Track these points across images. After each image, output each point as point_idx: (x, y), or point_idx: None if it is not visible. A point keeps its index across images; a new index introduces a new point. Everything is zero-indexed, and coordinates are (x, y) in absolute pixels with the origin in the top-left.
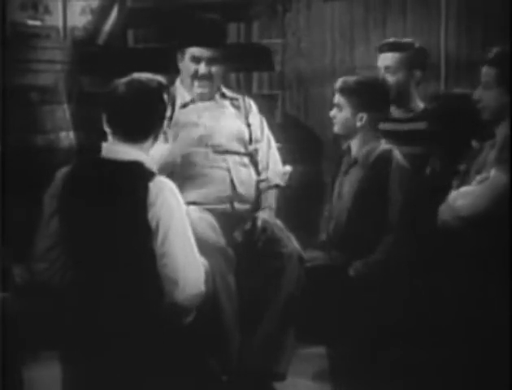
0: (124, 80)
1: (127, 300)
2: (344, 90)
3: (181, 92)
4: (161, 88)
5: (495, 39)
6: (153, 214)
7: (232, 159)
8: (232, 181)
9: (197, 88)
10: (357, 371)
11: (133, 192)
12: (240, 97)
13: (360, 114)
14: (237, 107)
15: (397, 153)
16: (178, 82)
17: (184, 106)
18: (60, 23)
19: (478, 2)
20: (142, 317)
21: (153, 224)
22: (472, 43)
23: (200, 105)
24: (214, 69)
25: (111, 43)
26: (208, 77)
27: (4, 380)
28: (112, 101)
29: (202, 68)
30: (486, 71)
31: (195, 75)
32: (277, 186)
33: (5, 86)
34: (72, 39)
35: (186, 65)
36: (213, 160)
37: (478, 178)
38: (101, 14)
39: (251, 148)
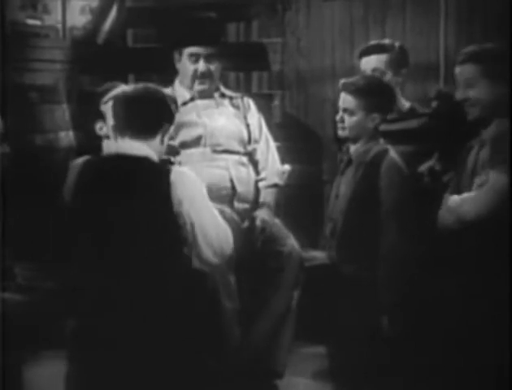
0: (135, 85)
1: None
2: (356, 92)
3: (181, 92)
4: (167, 98)
5: (494, 38)
6: (182, 211)
7: (231, 159)
8: (231, 180)
9: (198, 86)
10: (357, 371)
11: (155, 187)
12: (239, 96)
13: (373, 115)
14: (236, 106)
15: (393, 153)
16: (177, 83)
17: (184, 104)
18: (59, 23)
19: (477, 1)
20: (140, 317)
21: (182, 219)
22: (471, 42)
23: (199, 104)
24: (213, 66)
25: (111, 42)
26: (208, 75)
27: (4, 380)
28: (123, 101)
29: (201, 66)
30: (466, 69)
31: (195, 75)
32: (276, 185)
33: (4, 85)
34: (72, 38)
35: (184, 65)
36: (212, 159)
37: (477, 181)
38: (101, 13)
39: (250, 147)
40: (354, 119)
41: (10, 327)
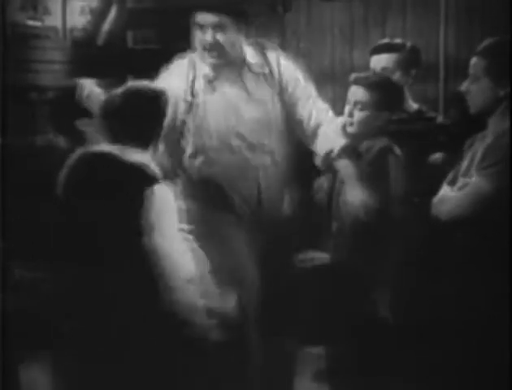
0: (121, 89)
1: (122, 297)
2: (370, 86)
3: (201, 66)
4: (158, 97)
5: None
6: (146, 219)
7: (260, 157)
8: (258, 187)
9: (209, 59)
10: (356, 371)
11: (131, 195)
12: (267, 64)
13: (383, 113)
14: (268, 81)
15: (395, 151)
16: (196, 55)
17: (209, 82)
18: (59, 24)
19: (477, 2)
20: (139, 317)
21: (145, 228)
22: (471, 43)
23: (228, 93)
24: (221, 38)
25: (110, 43)
26: (216, 46)
27: (4, 380)
28: (110, 112)
29: (209, 36)
30: (474, 63)
31: (204, 46)
32: (344, 151)
33: (5, 86)
34: (72, 39)
35: (196, 37)
36: (240, 154)
37: (460, 183)
38: (101, 14)
39: (297, 117)
40: (365, 113)
41: (9, 326)
